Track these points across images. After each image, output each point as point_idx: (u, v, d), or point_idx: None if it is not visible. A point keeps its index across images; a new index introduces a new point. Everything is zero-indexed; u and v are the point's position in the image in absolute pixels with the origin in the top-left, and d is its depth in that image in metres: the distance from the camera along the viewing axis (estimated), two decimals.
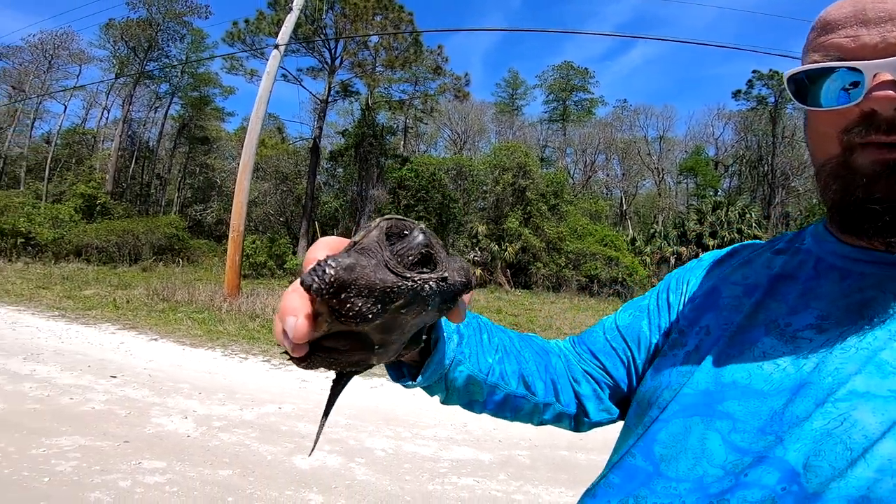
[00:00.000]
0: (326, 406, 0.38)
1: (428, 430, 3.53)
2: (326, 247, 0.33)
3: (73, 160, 24.38)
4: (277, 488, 2.60)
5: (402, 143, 25.69)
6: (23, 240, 15.77)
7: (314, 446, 0.45)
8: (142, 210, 22.09)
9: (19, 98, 23.80)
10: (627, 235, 23.12)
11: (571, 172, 32.26)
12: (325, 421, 0.38)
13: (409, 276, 0.28)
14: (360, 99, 22.11)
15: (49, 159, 22.69)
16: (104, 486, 2.51)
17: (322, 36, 18.82)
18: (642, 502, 0.41)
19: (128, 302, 7.99)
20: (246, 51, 19.01)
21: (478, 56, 70.81)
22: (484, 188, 20.92)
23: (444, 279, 0.29)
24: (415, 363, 0.47)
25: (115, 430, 3.16)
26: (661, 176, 32.44)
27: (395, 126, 24.22)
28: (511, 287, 16.63)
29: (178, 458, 2.86)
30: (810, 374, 0.39)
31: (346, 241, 0.31)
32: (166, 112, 25.61)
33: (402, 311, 0.28)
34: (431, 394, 0.51)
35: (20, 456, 2.70)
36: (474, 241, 17.81)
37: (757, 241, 0.57)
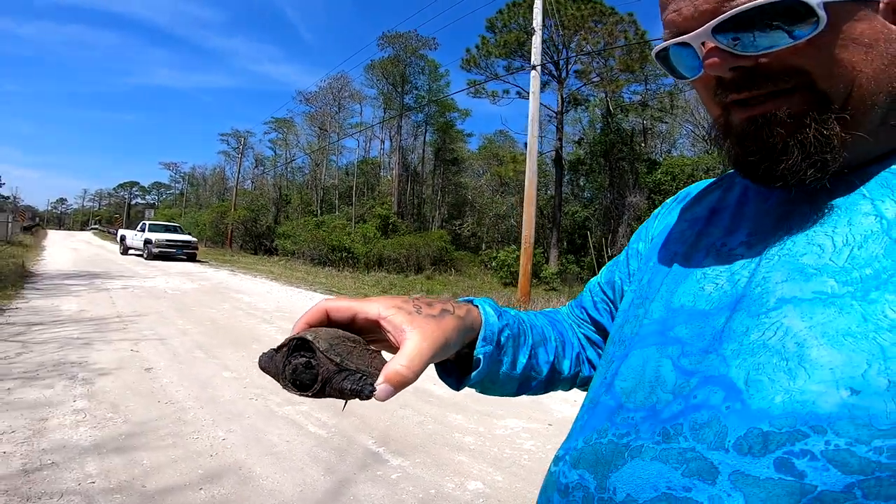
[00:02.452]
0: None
1: None
2: (304, 319, 0.43)
3: (366, 187, 30.81)
4: None
5: (643, 145, 24.22)
6: (346, 254, 20.68)
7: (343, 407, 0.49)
8: (416, 227, 26.36)
9: (324, 137, 31.20)
10: None
11: None
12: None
13: (285, 385, 0.38)
14: (589, 106, 21.86)
15: (354, 187, 29.24)
16: None
17: (552, 51, 19.25)
18: (604, 435, 0.41)
19: None
20: (486, 77, 20.75)
21: None
22: None
23: (313, 394, 0.37)
24: (459, 367, 0.53)
25: (537, 416, 3.59)
26: None
27: (634, 129, 23.03)
28: None
29: None
30: (745, 287, 0.39)
31: (323, 314, 0.43)
32: (424, 139, 29.89)
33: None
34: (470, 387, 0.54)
35: (491, 435, 3.20)
36: None
37: (709, 180, 0.57)
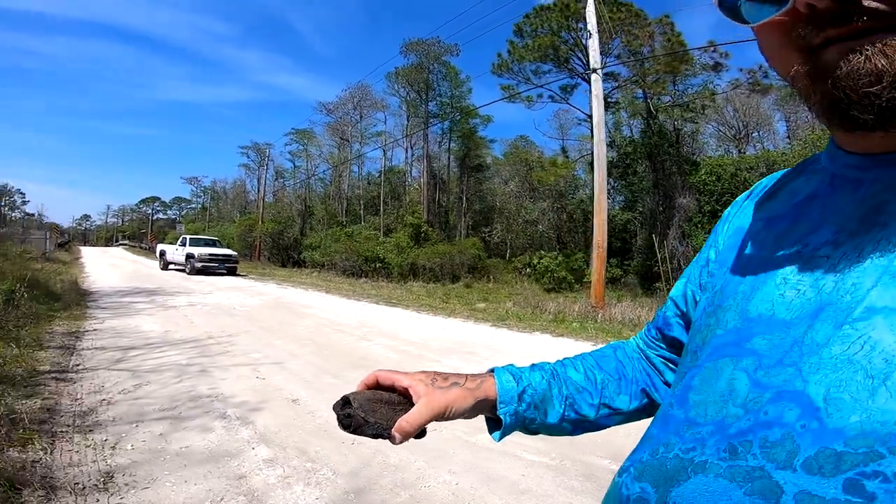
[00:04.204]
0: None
1: None
2: (363, 380, 0.56)
3: (391, 196, 30.44)
4: None
5: (689, 146, 23.68)
6: (380, 264, 20.25)
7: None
8: (446, 235, 25.93)
9: (345, 147, 30.88)
10: None
11: None
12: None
13: (338, 424, 0.52)
14: (617, 109, 21.58)
15: (381, 196, 28.89)
16: None
17: (584, 54, 19.06)
18: (671, 449, 0.39)
19: (518, 315, 9.19)
20: (517, 82, 20.57)
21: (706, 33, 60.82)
22: None
23: (351, 432, 0.51)
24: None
25: None
26: None
27: (670, 130, 22.61)
28: None
29: None
30: (830, 294, 0.35)
31: (374, 379, 0.55)
32: (448, 146, 29.61)
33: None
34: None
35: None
36: None
37: (787, 170, 0.51)
